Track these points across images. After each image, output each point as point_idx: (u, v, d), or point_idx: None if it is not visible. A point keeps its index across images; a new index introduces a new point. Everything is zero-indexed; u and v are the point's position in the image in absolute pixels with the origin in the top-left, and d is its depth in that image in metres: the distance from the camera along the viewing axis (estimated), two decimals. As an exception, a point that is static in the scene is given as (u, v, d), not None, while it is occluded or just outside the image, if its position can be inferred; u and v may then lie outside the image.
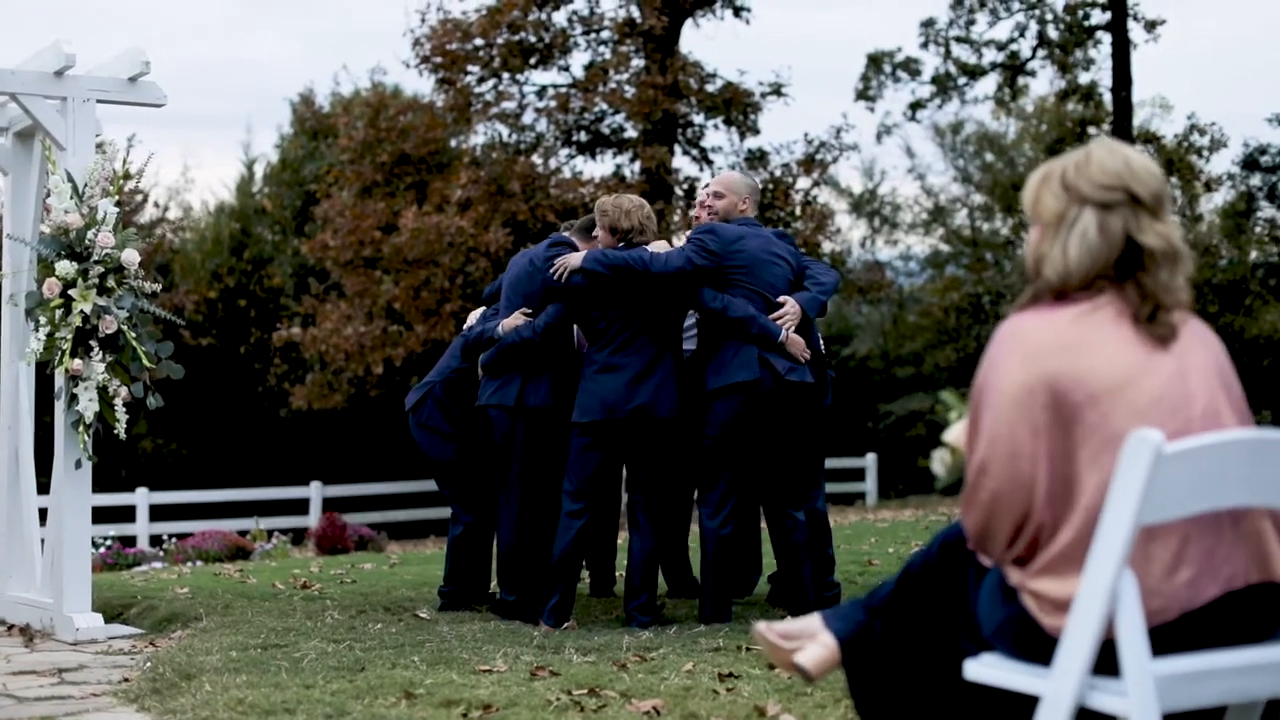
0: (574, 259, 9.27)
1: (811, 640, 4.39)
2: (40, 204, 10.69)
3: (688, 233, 9.79)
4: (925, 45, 34.42)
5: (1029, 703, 3.99)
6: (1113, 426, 3.90)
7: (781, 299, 9.29)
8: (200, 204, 38.19)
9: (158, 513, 27.52)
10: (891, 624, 4.31)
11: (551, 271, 9.36)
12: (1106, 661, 3.82)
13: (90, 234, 9.67)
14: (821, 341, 9.84)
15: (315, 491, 28.46)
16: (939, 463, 4.25)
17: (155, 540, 25.21)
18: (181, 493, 28.32)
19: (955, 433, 4.24)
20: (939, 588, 4.26)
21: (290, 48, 65.47)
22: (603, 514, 10.42)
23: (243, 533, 20.10)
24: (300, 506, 28.70)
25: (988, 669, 4.02)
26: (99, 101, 10.11)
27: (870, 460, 33.38)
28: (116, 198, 9.82)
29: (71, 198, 9.78)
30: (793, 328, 9.21)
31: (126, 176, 9.92)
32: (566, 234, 10.01)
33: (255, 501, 28.49)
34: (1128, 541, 3.72)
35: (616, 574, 10.96)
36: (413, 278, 27.54)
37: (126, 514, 26.96)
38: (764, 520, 9.69)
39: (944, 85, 34.57)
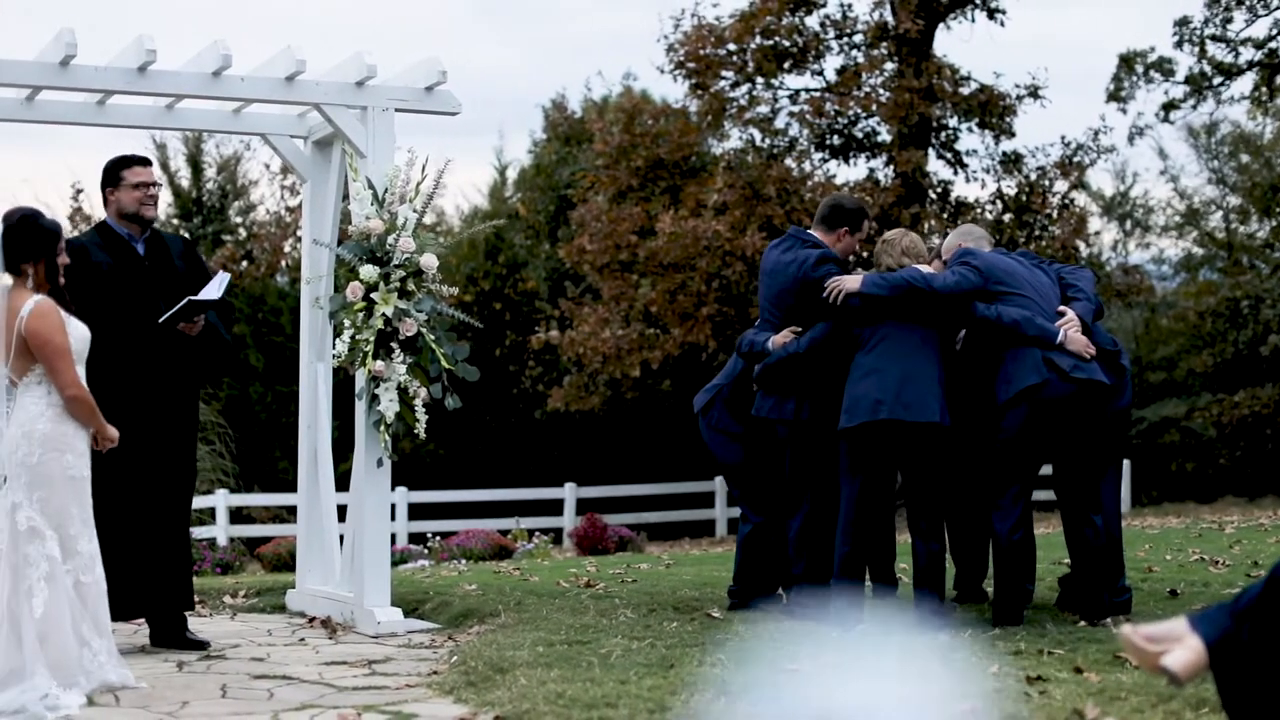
0: (850, 282, 9.31)
1: (1178, 644, 4.39)
2: (338, 210, 11.03)
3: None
4: (1179, 45, 33.71)
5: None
6: None
7: (1061, 308, 9.32)
8: (454, 209, 38.74)
9: (415, 511, 28.03)
10: (1259, 628, 4.30)
11: (825, 293, 9.43)
12: None
13: (391, 239, 9.96)
14: (1118, 341, 9.77)
15: (569, 493, 28.79)
16: None
17: (414, 538, 25.67)
18: (438, 492, 28.80)
19: None
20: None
21: (530, 55, 66.23)
22: (880, 517, 10.44)
23: (503, 532, 20.41)
24: (554, 507, 29.03)
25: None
26: (397, 110, 10.42)
27: (1124, 467, 32.87)
28: (420, 204, 10.10)
29: (372, 204, 10.09)
30: (1074, 331, 9.20)
31: (432, 185, 10.21)
32: (811, 232, 10.04)
33: (509, 502, 28.89)
34: None
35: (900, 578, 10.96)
36: (669, 281, 27.73)
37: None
38: (1061, 523, 9.66)
39: (1198, 85, 33.85)
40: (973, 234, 9.99)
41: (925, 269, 9.36)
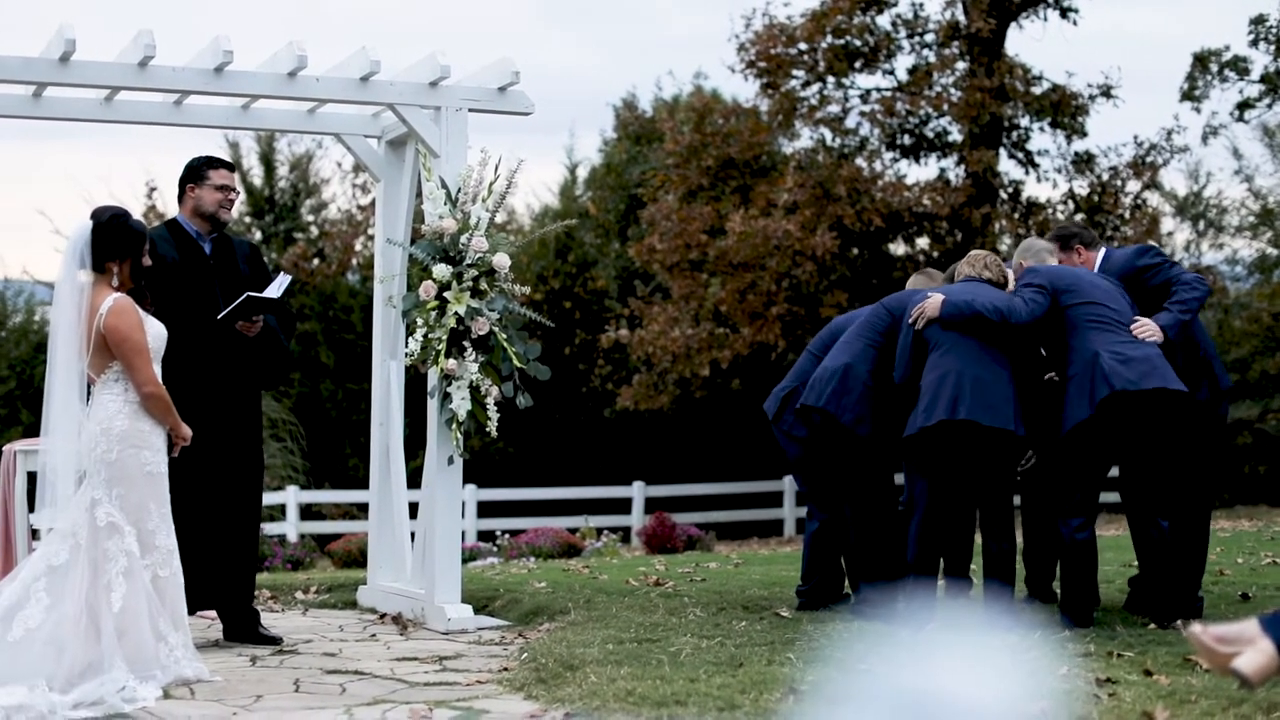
0: (932, 307, 9.33)
1: (1249, 646, 4.38)
2: (411, 209, 11.11)
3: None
4: (1255, 43, 33.41)
5: None
6: None
7: (1135, 318, 9.25)
8: (525, 207, 38.75)
9: (484, 509, 28.11)
10: (1329, 631, 4.30)
11: (909, 319, 9.47)
12: None
13: (464, 238, 10.04)
14: (1214, 351, 9.66)
15: (638, 491, 28.82)
16: None
17: (483, 536, 25.74)
18: (507, 490, 28.86)
19: None
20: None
21: (601, 55, 66.36)
22: (954, 515, 10.44)
23: (572, 530, 20.47)
24: (622, 506, 29.06)
25: None
26: (470, 110, 10.49)
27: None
28: (493, 204, 10.17)
29: (446, 203, 10.16)
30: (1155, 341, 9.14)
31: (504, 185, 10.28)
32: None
33: (578, 500, 28.93)
34: None
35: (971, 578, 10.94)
36: (739, 281, 27.68)
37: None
38: (1129, 526, 9.63)
39: (1274, 84, 33.55)
40: (1032, 249, 9.99)
41: (1002, 297, 9.32)
